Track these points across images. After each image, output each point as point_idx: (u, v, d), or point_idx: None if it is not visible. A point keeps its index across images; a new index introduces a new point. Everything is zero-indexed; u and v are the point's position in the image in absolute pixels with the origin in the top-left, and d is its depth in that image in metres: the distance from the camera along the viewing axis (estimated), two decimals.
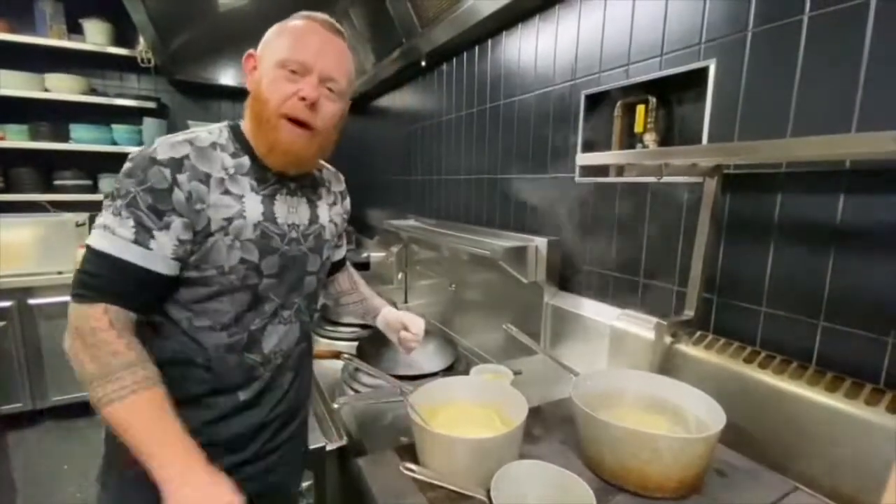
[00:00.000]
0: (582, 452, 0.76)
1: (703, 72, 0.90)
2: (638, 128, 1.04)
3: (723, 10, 0.86)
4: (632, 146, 1.12)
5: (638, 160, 0.80)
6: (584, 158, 0.96)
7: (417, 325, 1.05)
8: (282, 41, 0.75)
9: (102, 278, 0.66)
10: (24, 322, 2.33)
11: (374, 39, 2.28)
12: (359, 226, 3.32)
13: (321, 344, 1.66)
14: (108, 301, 0.65)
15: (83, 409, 2.47)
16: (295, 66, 0.73)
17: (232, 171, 0.75)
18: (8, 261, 2.32)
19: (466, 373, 1.34)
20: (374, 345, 1.49)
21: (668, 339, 0.90)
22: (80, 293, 0.65)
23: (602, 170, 1.13)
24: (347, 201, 1.03)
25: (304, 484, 1.09)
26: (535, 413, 0.85)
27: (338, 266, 1.11)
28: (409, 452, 0.75)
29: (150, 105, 2.80)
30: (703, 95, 0.90)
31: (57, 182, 2.70)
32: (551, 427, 0.87)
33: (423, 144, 2.19)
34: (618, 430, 0.67)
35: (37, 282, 2.33)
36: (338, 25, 0.80)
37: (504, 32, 1.50)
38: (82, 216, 2.59)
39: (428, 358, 1.51)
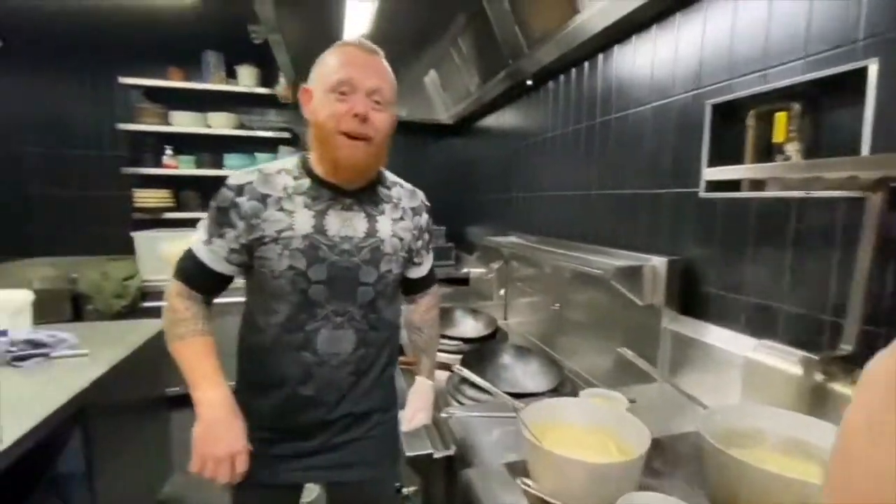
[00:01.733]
0: (711, 494, 0.69)
1: (860, 73, 0.79)
2: (777, 137, 0.94)
3: (887, 1, 0.75)
4: (767, 158, 1.01)
5: (784, 173, 0.72)
6: (716, 173, 0.89)
7: (417, 418, 1.04)
8: (327, 70, 0.85)
9: (183, 265, 0.90)
10: None
11: (480, 63, 2.37)
12: (459, 242, 3.41)
13: None
14: (180, 280, 0.89)
15: None
16: (343, 88, 0.83)
17: (290, 191, 0.88)
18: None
19: (572, 396, 1.30)
20: (478, 359, 1.51)
21: (818, 377, 0.78)
22: (174, 273, 0.91)
23: (733, 184, 1.04)
24: (421, 218, 1.03)
25: (411, 488, 1.14)
26: (653, 445, 0.79)
27: (420, 286, 1.11)
28: (521, 469, 0.75)
29: (285, 135, 3.22)
30: (860, 100, 0.79)
31: None
32: (673, 462, 0.80)
33: (526, 162, 2.20)
34: (760, 473, 0.60)
35: None
36: (372, 45, 0.89)
37: (616, 46, 1.47)
38: None
39: (530, 377, 1.49)
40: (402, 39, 2.59)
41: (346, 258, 0.89)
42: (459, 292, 2.70)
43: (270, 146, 3.25)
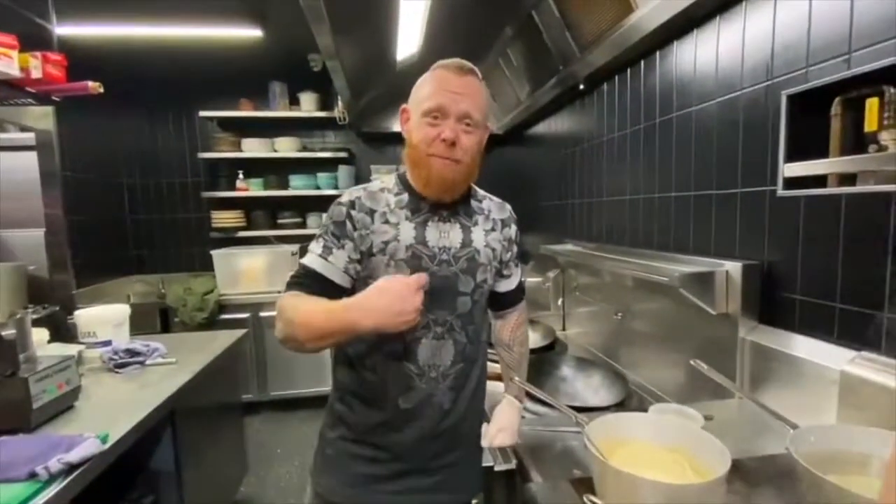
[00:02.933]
0: None
1: None
2: (869, 126, 0.85)
3: None
4: (857, 150, 0.91)
5: (881, 165, 0.65)
6: (798, 168, 0.81)
7: (499, 437, 1.00)
8: (423, 93, 0.89)
9: (299, 278, 0.89)
10: (256, 330, 2.97)
11: (530, 71, 2.35)
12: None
13: None
14: (295, 290, 0.87)
15: (293, 404, 3.01)
16: (436, 113, 0.87)
17: (393, 206, 0.92)
18: (247, 282, 3.02)
19: (640, 411, 1.23)
20: (536, 371, 1.48)
21: None
22: (287, 287, 0.89)
23: (818, 180, 0.95)
24: (510, 230, 1.04)
25: (473, 501, 1.13)
26: (734, 467, 0.72)
27: (509, 301, 1.09)
28: (587, 486, 0.72)
29: (343, 155, 3.38)
30: None
31: (280, 221, 3.43)
32: (758, 485, 0.73)
33: (580, 167, 2.14)
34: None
35: (265, 298, 2.97)
36: (468, 65, 0.90)
37: (675, 42, 1.40)
38: (295, 247, 3.22)
39: (593, 391, 1.43)
40: (449, 55, 2.64)
41: (446, 268, 0.91)
42: (524, 347, 2.65)
43: (330, 165, 3.42)
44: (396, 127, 3.42)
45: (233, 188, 3.34)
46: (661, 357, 1.43)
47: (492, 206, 1.03)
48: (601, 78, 1.84)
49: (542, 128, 2.70)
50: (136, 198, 3.41)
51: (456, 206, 0.94)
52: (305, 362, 2.92)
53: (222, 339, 1.95)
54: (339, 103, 2.95)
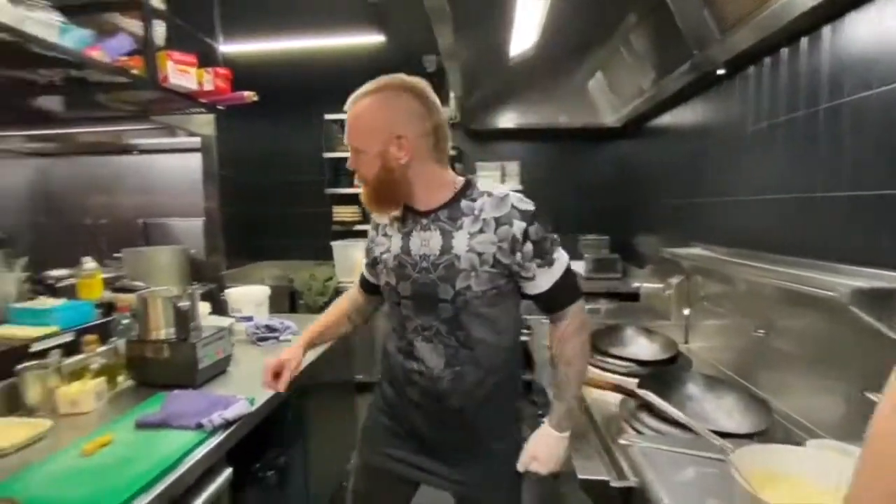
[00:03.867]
0: None
1: None
2: None
3: None
4: None
5: None
6: None
7: (532, 466, 1.01)
8: None
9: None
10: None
11: (656, 57, 2.17)
12: (627, 254, 3.15)
13: (591, 373, 1.62)
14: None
15: None
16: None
17: (391, 219, 1.02)
18: (361, 271, 3.25)
19: (789, 444, 1.07)
20: (658, 385, 1.35)
21: None
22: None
23: None
24: (513, 227, 0.92)
25: None
26: None
27: (547, 305, 1.01)
28: None
29: (452, 153, 3.46)
30: None
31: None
32: None
33: (714, 162, 1.92)
34: None
35: None
36: (361, 92, 0.96)
37: (852, 12, 1.17)
38: None
39: (725, 414, 1.27)
40: (566, 47, 2.54)
41: (425, 275, 0.94)
42: (627, 308, 2.48)
43: None
44: (503, 123, 3.40)
45: (351, 185, 3.62)
46: (815, 384, 1.22)
47: (487, 203, 0.94)
48: (747, 60, 1.62)
49: (666, 119, 2.47)
50: (270, 193, 3.87)
51: (437, 213, 0.95)
52: None
53: None
54: (451, 102, 3.02)
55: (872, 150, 1.12)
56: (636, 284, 2.47)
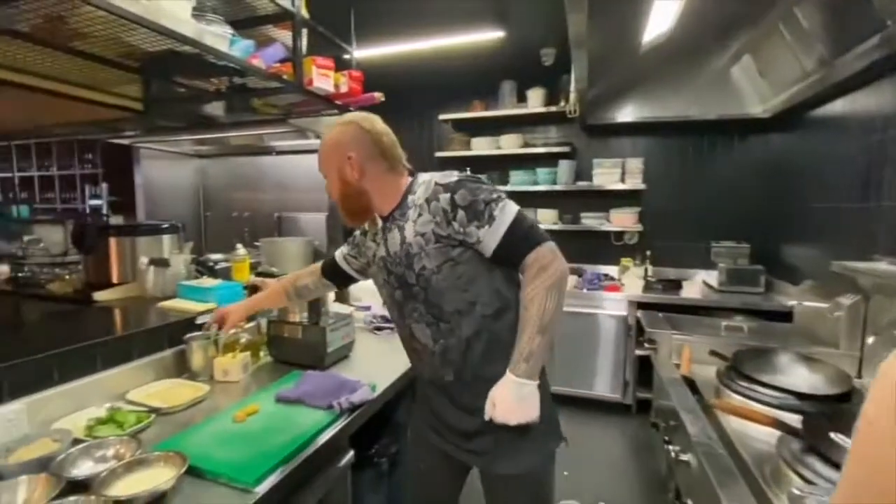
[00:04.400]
0: None
1: None
2: None
3: None
4: None
5: None
6: None
7: (498, 414, 0.97)
8: None
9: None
10: None
11: (830, 33, 1.82)
12: (771, 265, 2.73)
13: (733, 399, 1.40)
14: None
15: None
16: None
17: (371, 229, 1.14)
18: None
19: None
20: (831, 427, 1.12)
21: None
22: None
23: None
24: (439, 202, 0.99)
25: None
26: None
27: (508, 261, 1.01)
28: None
29: (565, 149, 3.31)
30: None
31: None
32: None
33: None
34: None
35: None
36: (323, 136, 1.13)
37: None
38: None
39: None
40: (708, 29, 2.26)
41: (397, 268, 1.05)
42: (776, 330, 2.11)
43: (550, 160, 3.39)
44: (623, 117, 3.15)
45: None
46: None
47: (419, 190, 1.04)
48: None
49: (837, 106, 2.07)
50: None
51: (392, 215, 1.06)
52: None
53: None
54: (571, 96, 2.88)
55: None
56: (790, 302, 2.10)
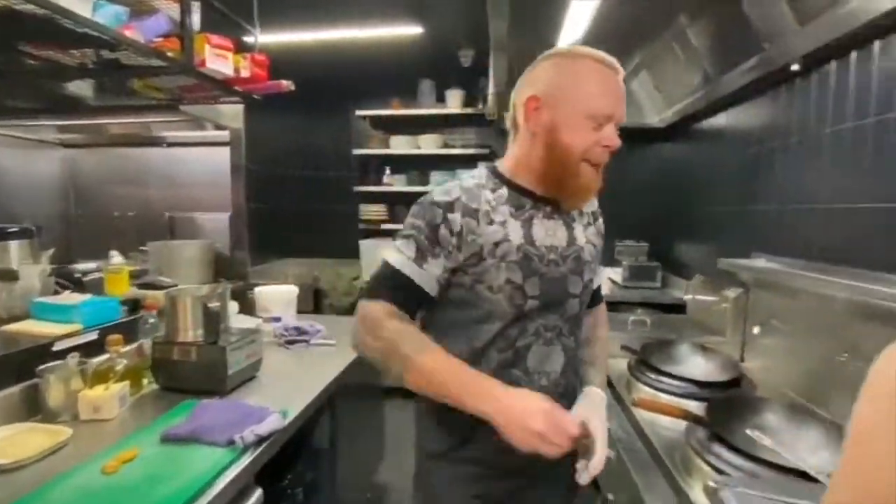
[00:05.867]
0: None
1: None
2: None
3: None
4: None
5: None
6: None
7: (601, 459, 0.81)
8: (585, 93, 0.79)
9: (386, 282, 0.82)
10: None
11: (716, 52, 2.02)
12: (667, 262, 2.99)
13: (642, 392, 1.48)
14: (385, 300, 0.81)
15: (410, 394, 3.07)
16: (602, 120, 0.79)
17: (493, 203, 0.84)
18: None
19: None
20: (726, 412, 1.21)
21: None
22: (369, 292, 0.84)
23: None
24: (600, 222, 1.01)
25: None
26: None
27: (594, 299, 1.04)
28: None
29: (484, 151, 3.35)
30: None
31: None
32: None
33: (779, 166, 1.76)
34: None
35: None
36: (618, 64, 0.82)
37: None
38: None
39: (810, 450, 1.11)
40: (611, 44, 2.40)
41: (555, 269, 0.85)
42: (670, 321, 2.32)
43: (470, 162, 3.41)
44: None
45: (380, 183, 3.53)
46: None
47: None
48: (828, 55, 1.47)
49: (721, 120, 2.31)
50: (298, 189, 3.80)
51: (558, 202, 0.88)
52: None
53: None
54: (489, 98, 2.91)
55: None
56: (685, 296, 2.31)
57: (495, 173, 0.89)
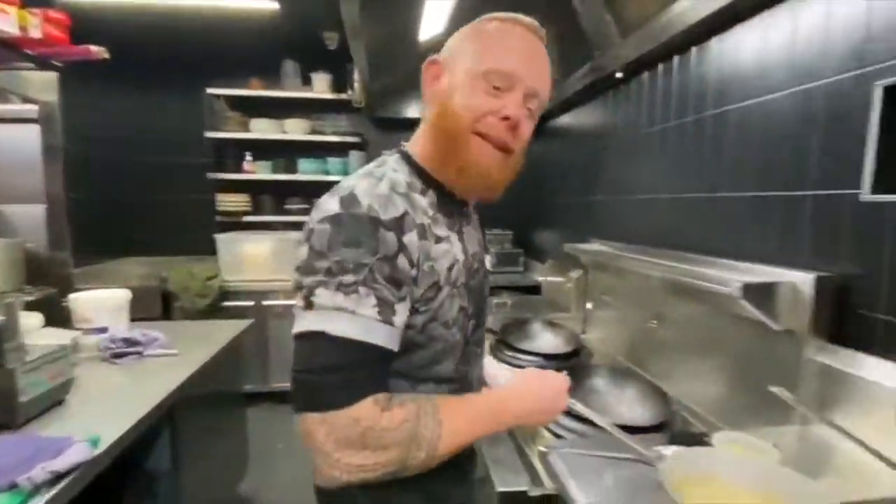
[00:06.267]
0: None
1: None
2: None
3: None
4: None
5: None
6: None
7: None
8: (481, 47, 0.65)
9: (357, 368, 0.55)
10: (259, 318, 2.87)
11: (560, 58, 2.22)
12: (528, 249, 3.25)
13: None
14: (370, 392, 0.56)
15: None
16: (499, 81, 0.63)
17: (430, 211, 0.66)
18: (251, 269, 2.91)
19: (683, 434, 1.13)
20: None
21: None
22: (335, 396, 0.54)
23: None
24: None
25: None
26: None
27: None
28: None
29: (356, 140, 3.25)
30: None
31: (287, 206, 3.31)
32: None
33: (611, 162, 2.02)
34: None
35: (270, 287, 2.86)
36: (542, 31, 0.69)
37: (737, 25, 1.27)
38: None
39: (628, 405, 1.31)
40: None
41: (479, 278, 0.73)
42: (529, 302, 2.56)
43: (341, 150, 3.29)
44: (413, 113, 3.28)
45: (239, 170, 3.22)
46: (704, 373, 1.32)
47: None
48: (644, 65, 1.71)
49: (567, 119, 2.57)
50: (139, 177, 3.29)
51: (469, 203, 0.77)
52: None
53: (227, 330, 1.85)
54: (356, 85, 2.82)
55: (753, 155, 1.22)
56: (538, 278, 2.54)
57: (411, 163, 0.71)
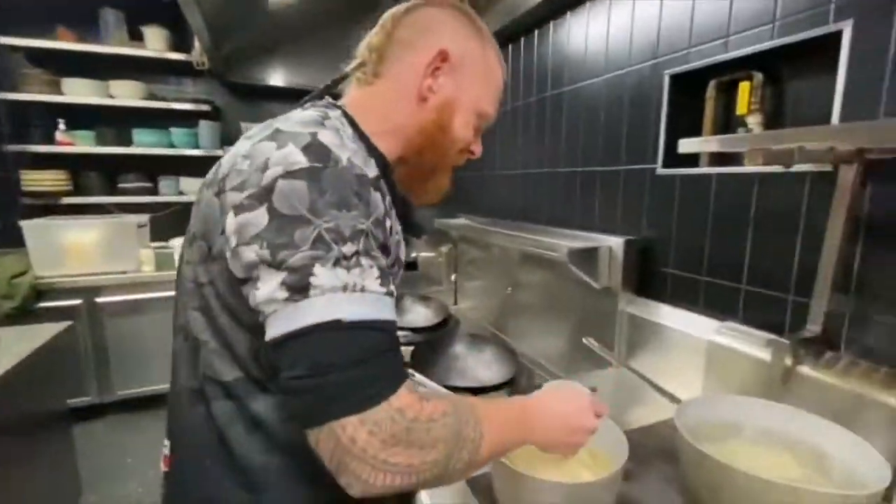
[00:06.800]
0: (691, 497, 0.64)
1: (832, 38, 0.74)
2: (740, 109, 0.89)
3: None
4: (727, 131, 0.97)
5: (759, 144, 0.66)
6: (687, 145, 0.82)
7: None
8: (487, 90, 0.68)
9: (385, 352, 0.46)
10: (92, 319, 2.44)
11: None
12: (404, 225, 3.26)
13: None
14: (404, 377, 0.47)
15: (147, 403, 2.57)
16: (483, 123, 0.70)
17: (388, 198, 0.57)
18: (76, 261, 2.43)
19: (530, 386, 1.24)
20: (429, 351, 1.41)
21: (788, 361, 0.75)
22: (371, 389, 0.45)
23: (690, 159, 0.99)
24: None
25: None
26: None
27: None
28: (485, 486, 0.66)
29: (205, 108, 2.86)
30: (831, 68, 0.74)
31: (121, 185, 2.82)
32: (646, 460, 0.75)
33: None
34: (745, 478, 0.54)
35: (103, 281, 2.43)
36: None
37: (569, 13, 1.37)
38: (143, 218, 2.69)
39: (484, 367, 1.41)
40: (330, 13, 2.34)
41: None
42: (408, 277, 2.58)
43: (187, 119, 2.88)
44: (273, 80, 2.99)
45: (52, 142, 2.64)
46: (548, 330, 1.46)
47: None
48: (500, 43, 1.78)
49: None
50: None
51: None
52: (159, 353, 2.50)
53: (36, 335, 1.53)
54: (197, 45, 2.46)
55: (581, 134, 1.35)
56: (414, 254, 2.57)
57: (357, 129, 0.61)
